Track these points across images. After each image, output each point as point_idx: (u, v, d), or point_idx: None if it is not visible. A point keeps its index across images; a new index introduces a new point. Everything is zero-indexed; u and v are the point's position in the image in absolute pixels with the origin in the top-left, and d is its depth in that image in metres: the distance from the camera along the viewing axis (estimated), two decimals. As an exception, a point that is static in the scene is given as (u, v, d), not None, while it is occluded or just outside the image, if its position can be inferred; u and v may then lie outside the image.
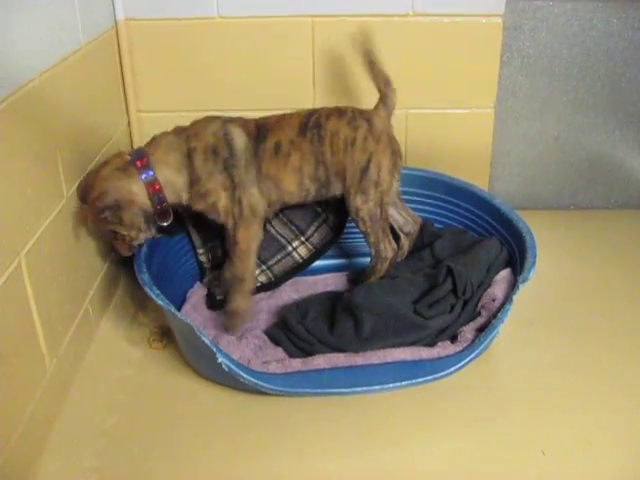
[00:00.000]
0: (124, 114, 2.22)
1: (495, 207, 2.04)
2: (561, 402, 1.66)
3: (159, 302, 1.63)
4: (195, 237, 2.07)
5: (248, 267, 1.80)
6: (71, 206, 1.72)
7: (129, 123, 2.25)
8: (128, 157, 1.72)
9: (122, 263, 2.07)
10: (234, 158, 1.75)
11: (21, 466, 1.42)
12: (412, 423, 1.61)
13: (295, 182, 1.82)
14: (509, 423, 1.61)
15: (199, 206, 1.78)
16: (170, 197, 1.75)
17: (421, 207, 2.19)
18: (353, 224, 1.94)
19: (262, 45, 2.18)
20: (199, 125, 1.80)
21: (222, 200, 1.75)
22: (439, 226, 2.16)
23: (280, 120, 1.83)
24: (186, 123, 2.28)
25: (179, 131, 1.79)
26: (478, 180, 2.24)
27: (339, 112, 1.83)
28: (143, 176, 1.69)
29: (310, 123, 1.81)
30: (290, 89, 2.24)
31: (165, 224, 1.79)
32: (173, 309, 1.61)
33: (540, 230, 1.95)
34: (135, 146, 2.26)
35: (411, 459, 1.52)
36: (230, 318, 1.83)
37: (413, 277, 1.90)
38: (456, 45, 2.20)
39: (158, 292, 1.66)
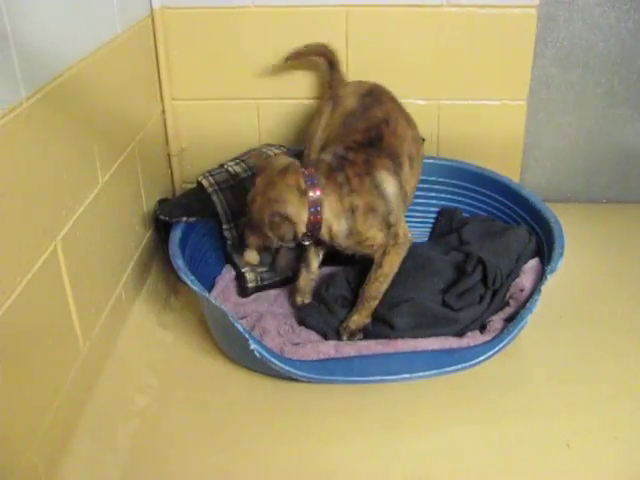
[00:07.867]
0: (159, 102, 2.25)
1: (523, 197, 2.04)
2: (587, 395, 1.66)
3: (194, 288, 1.65)
4: (222, 212, 2.05)
5: (384, 288, 1.80)
6: (106, 192, 1.74)
7: (163, 111, 2.27)
8: (303, 181, 1.70)
9: (155, 249, 2.09)
10: (389, 206, 1.75)
11: (54, 445, 1.45)
12: (440, 412, 1.63)
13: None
14: (535, 414, 1.61)
15: (352, 248, 1.80)
16: (323, 235, 1.75)
17: (450, 197, 2.21)
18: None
19: (295, 34, 2.18)
20: (356, 182, 1.73)
21: (378, 239, 1.76)
22: (467, 215, 2.17)
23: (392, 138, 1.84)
24: (219, 112, 2.30)
25: (341, 180, 1.73)
26: (509, 172, 2.23)
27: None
28: (312, 209, 1.69)
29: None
30: (323, 78, 2.24)
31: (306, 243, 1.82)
32: (207, 295, 1.63)
33: (571, 223, 1.95)
34: (169, 134, 2.28)
35: (437, 447, 1.53)
36: (346, 332, 1.80)
37: (440, 266, 1.90)
38: (490, 36, 2.18)
39: (193, 278, 1.68)
